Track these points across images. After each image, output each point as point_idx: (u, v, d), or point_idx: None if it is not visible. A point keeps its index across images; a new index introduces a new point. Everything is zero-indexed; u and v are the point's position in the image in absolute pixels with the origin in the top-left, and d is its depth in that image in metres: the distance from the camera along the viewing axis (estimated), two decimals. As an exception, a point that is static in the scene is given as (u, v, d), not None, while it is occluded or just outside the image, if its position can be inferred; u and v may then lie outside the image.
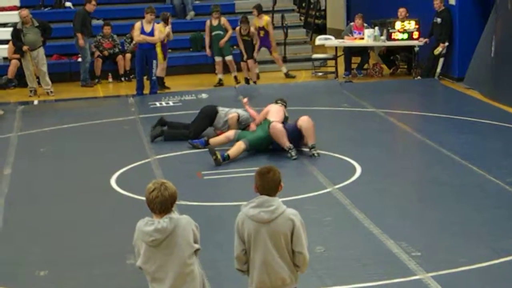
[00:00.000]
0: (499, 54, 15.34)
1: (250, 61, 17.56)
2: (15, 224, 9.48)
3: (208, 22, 17.65)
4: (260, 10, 18.02)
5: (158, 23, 16.79)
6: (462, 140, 12.35)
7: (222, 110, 12.78)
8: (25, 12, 17.29)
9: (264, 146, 11.88)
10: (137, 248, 5.39)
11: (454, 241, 8.45)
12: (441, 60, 17.36)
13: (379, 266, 7.87)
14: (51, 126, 14.22)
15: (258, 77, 17.99)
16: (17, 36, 17.07)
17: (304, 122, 11.72)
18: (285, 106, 12.31)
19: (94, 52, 18.18)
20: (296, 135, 11.72)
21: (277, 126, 11.63)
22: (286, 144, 11.56)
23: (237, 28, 17.62)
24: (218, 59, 17.70)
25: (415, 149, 12.60)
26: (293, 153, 11.49)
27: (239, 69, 17.93)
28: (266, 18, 18.08)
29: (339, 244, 8.52)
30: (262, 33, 17.88)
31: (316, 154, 11.56)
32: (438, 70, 17.40)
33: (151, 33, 16.31)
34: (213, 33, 17.52)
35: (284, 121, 12.02)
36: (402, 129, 13.44)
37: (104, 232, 9.14)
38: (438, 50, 17.23)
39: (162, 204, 5.28)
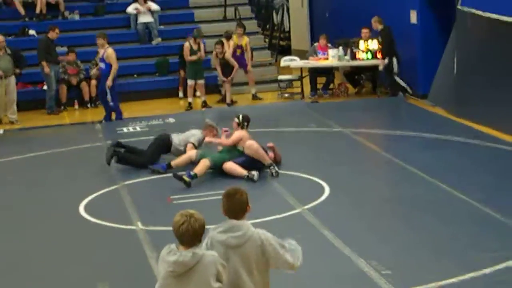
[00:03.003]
0: (461, 71, 15.53)
1: (227, 82, 17.85)
2: (-17, 255, 9.37)
3: (187, 44, 17.75)
4: (244, 29, 18.43)
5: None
6: (428, 157, 12.44)
7: (176, 137, 12.77)
8: (0, 37, 17.19)
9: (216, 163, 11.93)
10: (159, 270, 5.22)
11: (424, 257, 8.49)
12: (397, 78, 17.53)
13: (350, 285, 7.90)
14: (18, 155, 14.11)
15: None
16: None
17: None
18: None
19: (63, 79, 18.09)
20: (253, 161, 11.81)
21: (228, 166, 11.75)
22: (243, 173, 11.62)
23: (213, 52, 17.85)
24: (191, 82, 17.78)
25: (383, 167, 12.68)
26: (251, 174, 11.53)
27: (206, 93, 18.03)
28: (246, 38, 18.31)
29: (310, 264, 8.50)
30: (238, 51, 18.09)
31: (274, 173, 11.60)
32: (404, 85, 17.57)
33: (102, 59, 16.24)
34: (192, 56, 17.60)
35: None
36: (369, 148, 13.53)
37: (75, 261, 9.04)
38: (380, 67, 17.45)
39: (192, 237, 5.10)
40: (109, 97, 16.23)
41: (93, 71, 18.31)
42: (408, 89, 17.62)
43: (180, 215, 5.12)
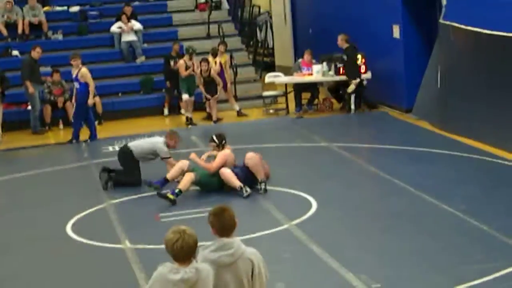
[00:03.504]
0: (444, 84, 15.63)
1: (212, 100, 17.83)
2: (-30, 277, 9.31)
3: (182, 62, 17.95)
4: (226, 46, 18.77)
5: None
6: (414, 171, 12.50)
7: (137, 147, 12.69)
8: None
9: (215, 187, 11.92)
10: None
11: (412, 270, 8.52)
12: (352, 96, 17.66)
13: (340, 299, 7.91)
14: (3, 176, 14.06)
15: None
16: None
17: (250, 160, 11.86)
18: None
19: (49, 99, 18.06)
20: (248, 174, 11.81)
21: (225, 172, 11.75)
22: (237, 184, 11.63)
23: (198, 70, 17.94)
24: (186, 97, 17.90)
25: (369, 181, 12.71)
26: (245, 190, 11.54)
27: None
28: (225, 56, 18.43)
29: (299, 280, 8.53)
30: (219, 69, 18.18)
31: (263, 191, 11.62)
32: (352, 106, 17.66)
33: (76, 78, 16.23)
34: (187, 72, 17.80)
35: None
36: (355, 162, 13.57)
37: (63, 281, 9.01)
38: (352, 88, 17.55)
39: (188, 253, 5.11)
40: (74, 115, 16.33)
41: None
42: (352, 109, 17.70)
43: (173, 233, 5.11)
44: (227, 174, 11.75)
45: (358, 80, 17.48)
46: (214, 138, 12.18)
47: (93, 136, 16.53)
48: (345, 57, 17.66)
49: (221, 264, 5.33)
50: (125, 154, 12.76)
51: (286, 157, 14.31)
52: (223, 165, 11.88)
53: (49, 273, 9.27)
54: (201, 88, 18.06)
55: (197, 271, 5.11)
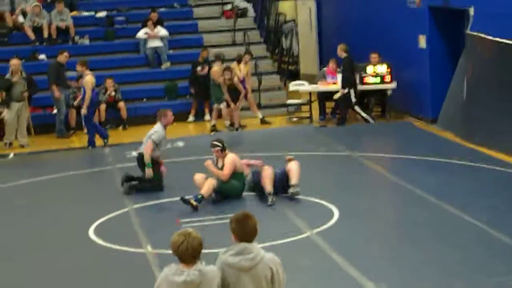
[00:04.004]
0: (470, 95, 15.55)
1: (235, 107, 17.88)
2: (-8, 279, 9.40)
3: (217, 68, 18.26)
4: (252, 56, 18.86)
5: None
6: (437, 181, 12.45)
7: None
8: (16, 61, 17.31)
9: (235, 193, 11.98)
10: None
11: (433, 280, 8.49)
12: (357, 107, 17.71)
13: (360, 308, 7.89)
14: (28, 179, 14.18)
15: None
16: (8, 86, 17.04)
17: (264, 171, 11.87)
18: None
19: (73, 104, 18.19)
20: (283, 180, 11.84)
21: (268, 171, 11.80)
22: (268, 188, 11.64)
23: (221, 78, 17.93)
24: (217, 105, 18.16)
25: (391, 191, 12.68)
26: (271, 199, 11.55)
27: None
28: (248, 65, 18.60)
29: (319, 288, 8.54)
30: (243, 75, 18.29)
31: (270, 203, 11.54)
32: (365, 115, 17.66)
33: (82, 85, 16.35)
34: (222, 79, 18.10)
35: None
36: (378, 172, 13.54)
37: (84, 284, 9.07)
38: (337, 95, 17.56)
39: (193, 255, 5.22)
40: (84, 123, 16.42)
41: (105, 97, 18.51)
42: (370, 119, 17.72)
43: (178, 235, 5.24)
44: (269, 174, 11.75)
45: (346, 90, 17.50)
46: (217, 143, 11.99)
47: (90, 142, 16.57)
48: (341, 67, 17.80)
49: (241, 268, 5.36)
50: (139, 157, 12.85)
51: (308, 166, 14.24)
52: (235, 170, 11.88)
53: (71, 276, 9.33)
54: (227, 96, 18.09)
55: (200, 273, 5.20)
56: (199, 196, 11.50)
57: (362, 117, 17.80)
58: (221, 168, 11.87)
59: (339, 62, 18.55)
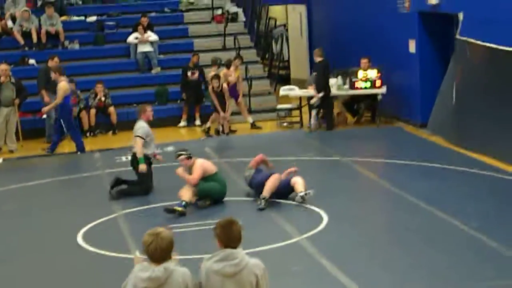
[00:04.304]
0: (460, 100, 15.57)
1: (225, 114, 17.85)
2: (-21, 285, 9.34)
3: (225, 71, 18.33)
4: (242, 61, 18.95)
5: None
6: (426, 186, 12.43)
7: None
8: (4, 66, 17.25)
9: (217, 195, 11.96)
10: (128, 286, 5.39)
11: (422, 285, 8.47)
12: (313, 111, 17.79)
13: (349, 314, 7.86)
14: (17, 184, 14.13)
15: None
16: None
17: (272, 177, 11.87)
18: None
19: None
20: (287, 188, 11.89)
21: (275, 176, 11.85)
22: (266, 193, 11.64)
23: (210, 86, 17.90)
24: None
25: (381, 196, 12.66)
26: (264, 204, 11.52)
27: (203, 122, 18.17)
28: (239, 70, 18.51)
29: (308, 294, 8.50)
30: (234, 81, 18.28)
31: (260, 206, 11.53)
32: (313, 120, 17.78)
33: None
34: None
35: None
36: (367, 177, 13.53)
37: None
38: (313, 100, 17.57)
39: (161, 255, 5.33)
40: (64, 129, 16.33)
41: (95, 102, 18.48)
42: (311, 126, 17.79)
43: (148, 235, 5.37)
44: (274, 180, 11.77)
45: (321, 94, 17.51)
46: (181, 152, 11.94)
47: (51, 146, 16.53)
48: (316, 72, 17.86)
49: (225, 274, 5.34)
50: (133, 158, 12.91)
51: (298, 171, 14.24)
52: (204, 173, 11.80)
53: (58, 281, 9.27)
54: (216, 103, 18.00)
55: (165, 271, 5.29)
56: (183, 203, 11.47)
57: (309, 120, 17.85)
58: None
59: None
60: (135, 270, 5.36)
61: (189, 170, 11.92)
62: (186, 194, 11.63)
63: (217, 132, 17.98)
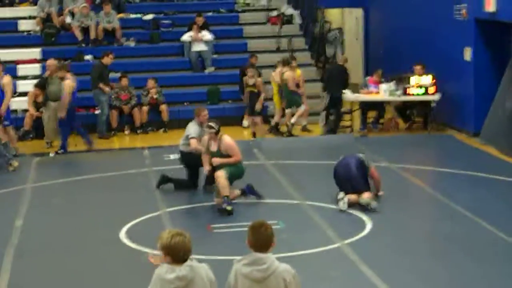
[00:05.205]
0: (514, 110, 15.32)
1: (257, 118, 17.60)
2: (23, 276, 9.46)
3: (289, 73, 18.13)
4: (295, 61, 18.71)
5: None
6: (475, 196, 12.26)
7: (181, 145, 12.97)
8: (51, 61, 17.47)
9: (242, 172, 12.06)
10: None
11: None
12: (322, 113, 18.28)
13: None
14: (65, 178, 14.32)
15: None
16: (43, 86, 17.21)
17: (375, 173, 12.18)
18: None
19: (115, 104, 18.29)
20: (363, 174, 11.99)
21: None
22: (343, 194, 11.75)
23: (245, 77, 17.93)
24: (288, 110, 18.14)
25: (427, 204, 12.52)
26: (342, 203, 11.61)
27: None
28: (298, 71, 18.37)
29: (345, 300, 8.44)
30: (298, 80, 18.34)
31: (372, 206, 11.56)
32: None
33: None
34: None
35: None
36: (415, 184, 13.37)
37: (112, 286, 9.10)
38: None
39: (185, 253, 5.37)
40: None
41: (147, 99, 18.63)
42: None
43: (169, 232, 5.42)
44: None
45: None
46: (213, 125, 11.99)
47: (62, 146, 16.51)
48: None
49: (254, 279, 5.32)
50: (181, 156, 13.07)
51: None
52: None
53: (98, 277, 9.37)
54: (245, 101, 18.05)
55: (191, 269, 5.33)
56: (227, 198, 11.54)
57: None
58: (217, 151, 11.92)
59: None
60: (159, 273, 5.36)
61: (212, 143, 12.01)
62: (224, 188, 11.61)
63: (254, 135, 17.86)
